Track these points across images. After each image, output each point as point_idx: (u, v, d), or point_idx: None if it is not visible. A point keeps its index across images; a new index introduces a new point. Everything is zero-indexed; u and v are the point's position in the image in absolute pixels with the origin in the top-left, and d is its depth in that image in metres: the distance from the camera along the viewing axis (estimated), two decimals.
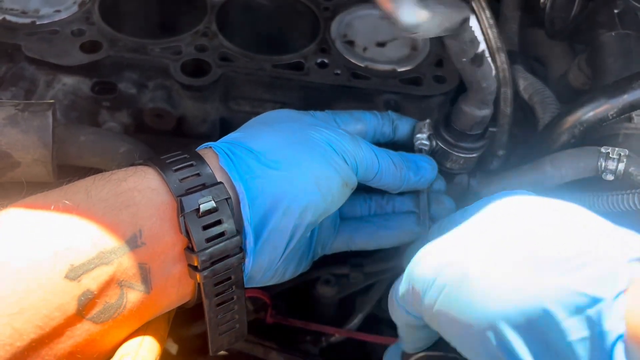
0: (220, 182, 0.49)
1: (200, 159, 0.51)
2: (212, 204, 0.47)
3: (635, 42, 0.78)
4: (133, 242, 0.44)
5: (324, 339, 0.80)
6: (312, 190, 0.53)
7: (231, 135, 0.58)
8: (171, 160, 0.50)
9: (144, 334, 0.48)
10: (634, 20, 0.80)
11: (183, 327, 0.86)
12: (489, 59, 0.58)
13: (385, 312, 0.84)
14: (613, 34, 0.79)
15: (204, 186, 0.48)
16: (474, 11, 0.81)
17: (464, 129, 0.65)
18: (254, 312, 0.76)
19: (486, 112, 0.64)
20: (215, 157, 0.52)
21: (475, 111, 0.63)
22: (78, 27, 0.82)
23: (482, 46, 0.56)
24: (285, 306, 0.82)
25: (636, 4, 0.80)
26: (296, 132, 0.56)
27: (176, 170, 0.49)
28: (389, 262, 0.80)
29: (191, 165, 0.49)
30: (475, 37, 0.55)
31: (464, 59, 0.56)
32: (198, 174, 0.49)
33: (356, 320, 0.80)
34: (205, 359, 0.86)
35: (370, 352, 0.88)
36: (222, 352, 0.77)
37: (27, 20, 0.82)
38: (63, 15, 0.83)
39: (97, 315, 0.43)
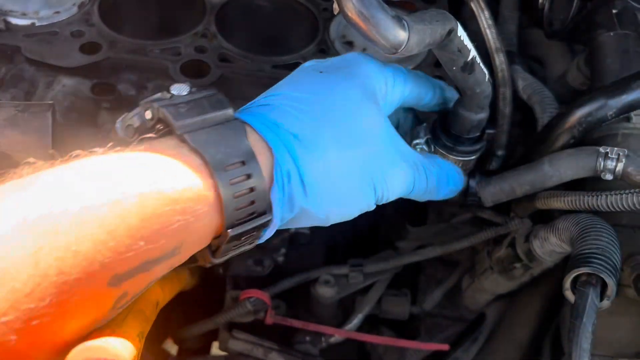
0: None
1: (256, 169, 0.46)
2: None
3: (634, 42, 0.78)
4: None
5: (323, 340, 0.80)
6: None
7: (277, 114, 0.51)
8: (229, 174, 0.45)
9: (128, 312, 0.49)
10: (633, 20, 0.80)
11: (183, 327, 0.86)
12: (481, 65, 0.58)
13: (384, 313, 0.85)
14: (612, 34, 0.79)
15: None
16: (473, 12, 0.81)
17: (461, 133, 0.65)
18: (254, 312, 0.76)
19: (482, 115, 0.63)
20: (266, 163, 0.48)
21: (472, 115, 0.63)
22: (77, 28, 0.82)
23: (472, 53, 0.56)
24: (285, 306, 0.82)
25: (635, 4, 0.80)
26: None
27: (232, 184, 0.44)
28: (388, 262, 0.80)
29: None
30: (464, 45, 0.54)
31: (454, 68, 0.56)
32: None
33: (356, 321, 0.80)
34: None
35: (369, 352, 0.88)
36: (221, 353, 0.77)
37: (27, 22, 0.82)
38: (63, 17, 0.83)
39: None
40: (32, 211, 0.37)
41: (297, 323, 0.78)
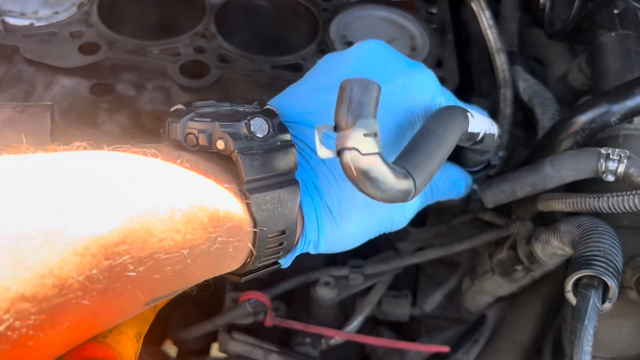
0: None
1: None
2: None
3: (635, 42, 0.78)
4: None
5: (323, 341, 0.79)
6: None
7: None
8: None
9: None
10: (634, 20, 0.79)
11: (182, 329, 0.86)
12: (490, 132, 0.57)
13: (384, 314, 0.85)
14: (613, 34, 0.78)
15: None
16: (474, 12, 0.81)
17: (465, 167, 0.66)
18: (253, 314, 0.76)
19: (488, 155, 0.65)
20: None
21: (477, 156, 0.64)
22: (77, 28, 0.82)
23: (482, 133, 0.55)
24: (285, 308, 0.82)
25: (636, 4, 0.80)
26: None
27: (267, 249, 0.47)
28: (388, 263, 0.80)
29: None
30: (474, 133, 0.54)
31: (464, 144, 0.57)
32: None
33: (356, 322, 0.80)
34: None
35: (369, 354, 0.88)
36: (221, 354, 0.77)
37: (26, 22, 0.82)
38: (61, 17, 0.83)
39: None
40: (102, 228, 0.35)
41: (297, 325, 0.78)
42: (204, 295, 0.95)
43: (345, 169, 0.42)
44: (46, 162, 0.37)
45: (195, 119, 0.46)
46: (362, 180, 0.42)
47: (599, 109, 0.65)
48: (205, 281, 0.89)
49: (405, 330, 0.92)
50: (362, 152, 0.40)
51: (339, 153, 0.41)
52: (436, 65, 0.84)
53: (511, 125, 0.79)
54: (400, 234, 0.85)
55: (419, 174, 0.44)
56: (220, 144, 0.45)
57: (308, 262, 0.85)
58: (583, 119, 0.67)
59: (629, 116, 0.65)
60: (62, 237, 0.33)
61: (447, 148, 0.48)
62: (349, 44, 0.86)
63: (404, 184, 0.43)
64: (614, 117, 0.65)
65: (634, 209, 0.59)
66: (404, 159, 0.45)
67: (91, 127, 0.79)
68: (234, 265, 0.47)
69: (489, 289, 0.80)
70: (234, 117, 0.46)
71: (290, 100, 0.56)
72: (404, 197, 0.44)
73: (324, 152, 0.42)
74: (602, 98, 0.66)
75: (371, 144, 0.41)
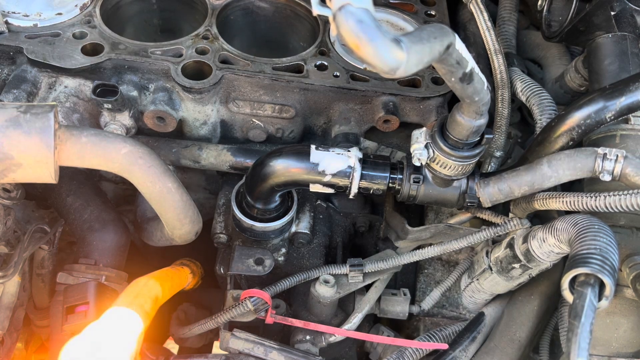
0: None
1: None
2: None
3: (632, 43, 0.78)
4: None
5: (323, 339, 0.80)
6: None
7: None
8: None
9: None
10: (631, 22, 0.80)
11: (184, 327, 0.87)
12: (479, 74, 0.57)
13: (384, 312, 0.86)
14: (610, 36, 0.79)
15: None
16: (472, 14, 0.81)
17: (460, 138, 0.65)
18: (254, 311, 0.77)
19: (481, 121, 0.63)
20: None
21: (471, 121, 0.63)
22: (80, 30, 0.83)
23: (471, 64, 0.55)
24: (285, 306, 0.83)
25: (633, 6, 0.81)
26: None
27: None
28: (387, 262, 0.80)
29: None
30: (462, 57, 0.54)
31: (453, 79, 0.56)
32: None
33: (355, 320, 0.81)
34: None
35: (369, 351, 0.88)
36: (222, 352, 0.78)
37: (29, 23, 0.82)
38: (65, 18, 0.84)
39: None
40: None
41: (297, 322, 0.78)
42: (205, 294, 0.96)
43: (339, 21, 0.43)
44: None
45: None
46: (354, 29, 0.43)
47: (594, 105, 0.66)
48: (206, 280, 0.89)
49: (404, 327, 0.93)
50: (355, 5, 0.43)
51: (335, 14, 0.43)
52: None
53: (508, 126, 0.80)
54: (399, 233, 0.85)
55: (411, 47, 0.45)
56: None
57: (308, 260, 0.86)
58: (579, 115, 0.67)
59: (624, 113, 0.66)
60: None
61: (437, 43, 0.49)
62: None
63: (396, 49, 0.44)
64: (609, 114, 0.66)
65: (631, 208, 0.60)
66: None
67: (94, 128, 0.80)
68: None
69: (487, 287, 0.81)
70: None
71: None
72: (394, 63, 0.44)
73: (319, 9, 0.44)
74: (598, 95, 0.67)
75: (363, 1, 0.43)
